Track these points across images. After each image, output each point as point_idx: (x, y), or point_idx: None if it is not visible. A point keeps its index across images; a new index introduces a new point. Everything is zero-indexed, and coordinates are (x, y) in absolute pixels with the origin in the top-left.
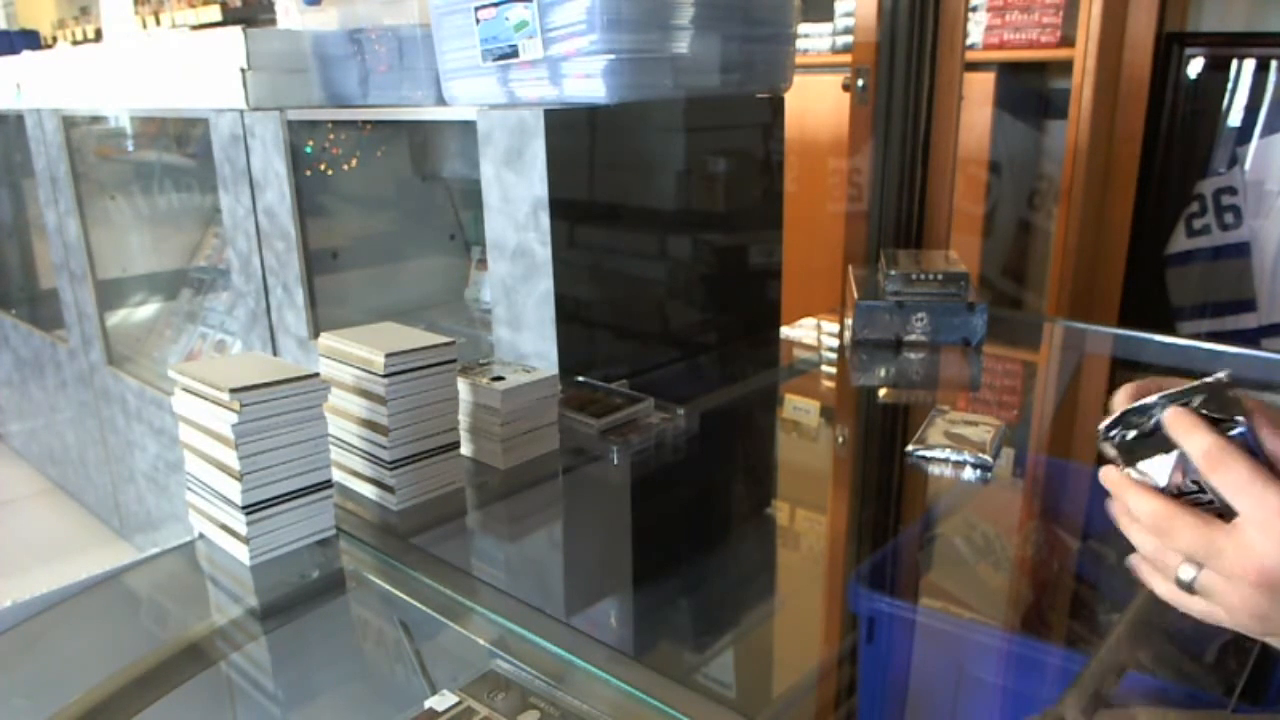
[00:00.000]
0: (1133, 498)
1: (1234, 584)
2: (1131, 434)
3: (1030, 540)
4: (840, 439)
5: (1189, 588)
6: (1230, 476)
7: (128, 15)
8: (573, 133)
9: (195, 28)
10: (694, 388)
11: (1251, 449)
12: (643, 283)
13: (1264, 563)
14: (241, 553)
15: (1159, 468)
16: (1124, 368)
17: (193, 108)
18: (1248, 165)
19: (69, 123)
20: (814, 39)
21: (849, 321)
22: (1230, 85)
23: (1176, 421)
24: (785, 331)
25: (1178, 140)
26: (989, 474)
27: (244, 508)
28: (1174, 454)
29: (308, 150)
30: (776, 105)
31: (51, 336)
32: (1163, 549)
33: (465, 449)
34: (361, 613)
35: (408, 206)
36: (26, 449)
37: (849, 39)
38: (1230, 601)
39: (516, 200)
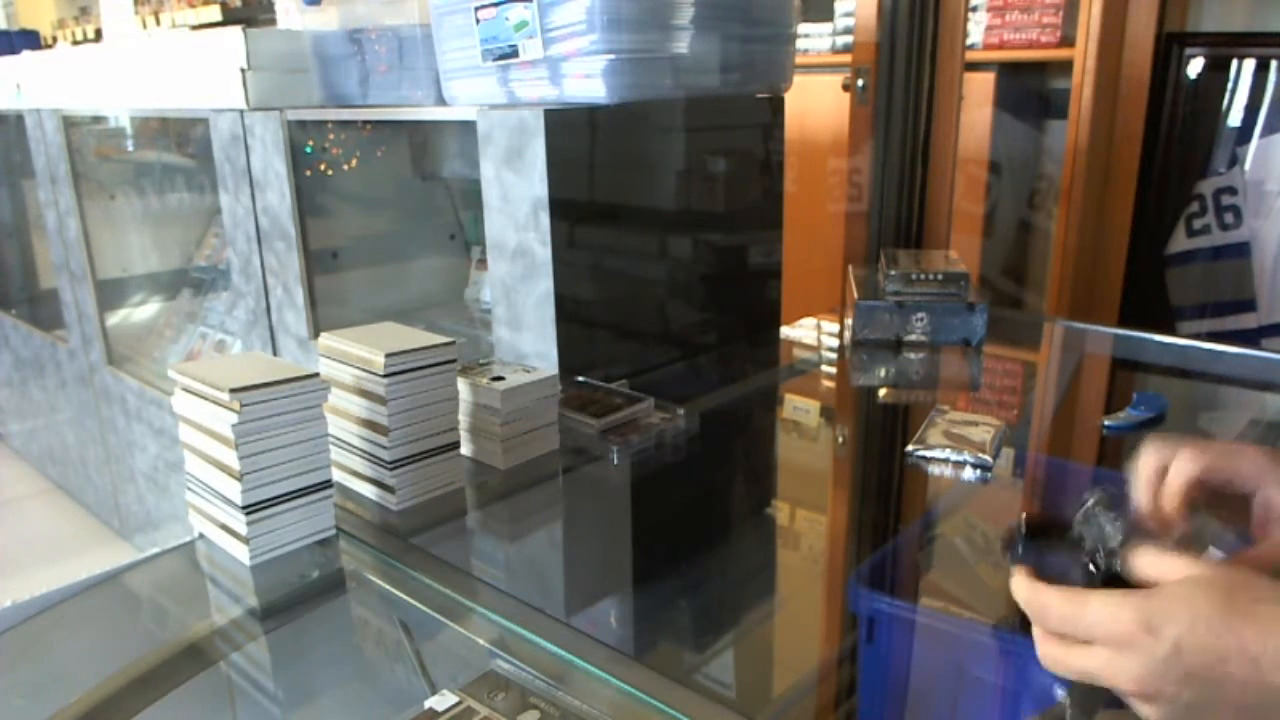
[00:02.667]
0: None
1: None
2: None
3: None
4: (840, 439)
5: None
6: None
7: (128, 15)
8: (573, 133)
9: (195, 28)
10: (694, 388)
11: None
12: (643, 283)
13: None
14: (241, 553)
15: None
16: (1124, 368)
17: (193, 108)
18: (1248, 165)
19: (69, 123)
20: (814, 39)
21: (849, 321)
22: (1230, 85)
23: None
24: (785, 331)
25: (1178, 140)
26: (989, 474)
27: (244, 508)
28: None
29: (308, 150)
30: (776, 105)
31: (51, 336)
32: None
33: (465, 449)
34: (361, 613)
35: (408, 206)
36: (26, 449)
37: (849, 39)
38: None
39: (516, 200)
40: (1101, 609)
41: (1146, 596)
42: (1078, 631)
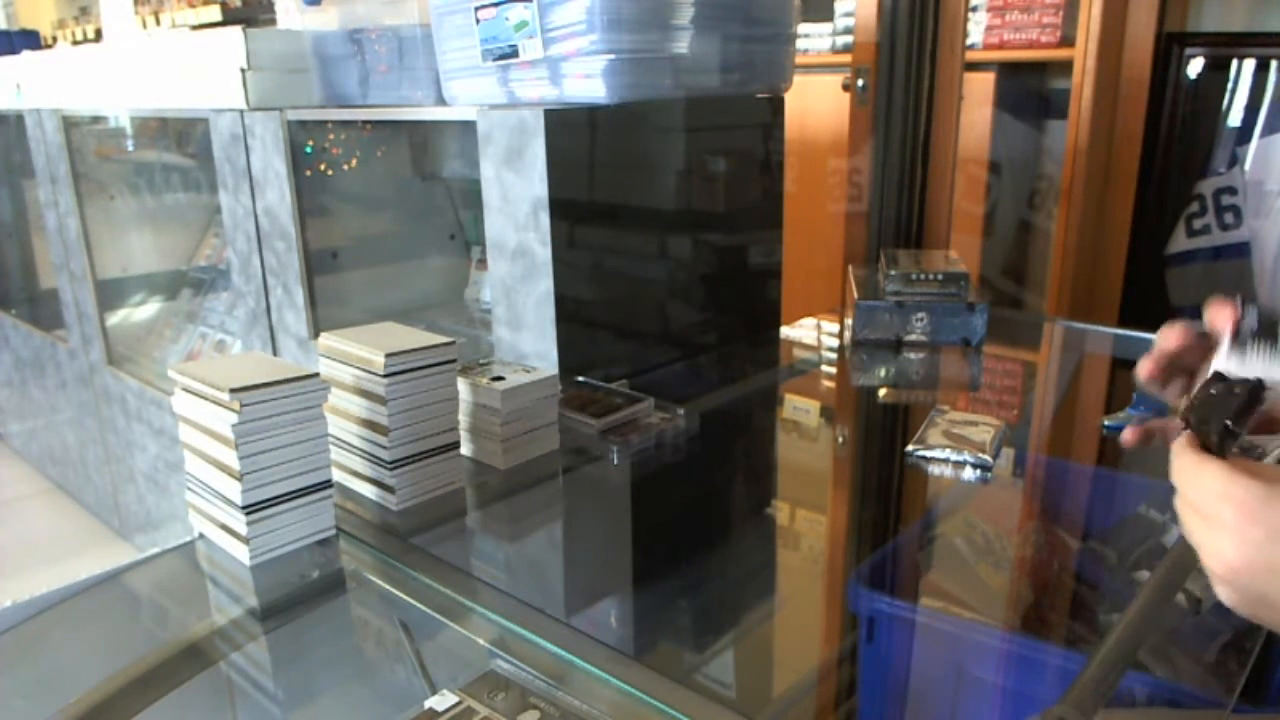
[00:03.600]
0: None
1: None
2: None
3: (1030, 540)
4: (840, 439)
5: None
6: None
7: (128, 15)
8: (573, 133)
9: (195, 28)
10: (694, 388)
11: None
12: (643, 283)
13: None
14: (241, 553)
15: None
16: (1124, 367)
17: (193, 108)
18: (1248, 165)
19: (69, 123)
20: (814, 39)
21: (849, 321)
22: (1230, 85)
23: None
24: (785, 331)
25: (1178, 140)
26: (989, 474)
27: (244, 508)
28: None
29: (308, 150)
30: (776, 105)
31: (51, 336)
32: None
33: (465, 449)
34: (361, 613)
35: (408, 206)
36: (26, 449)
37: (849, 39)
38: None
39: (516, 200)
40: (1214, 481)
41: (1262, 482)
42: (1190, 496)
